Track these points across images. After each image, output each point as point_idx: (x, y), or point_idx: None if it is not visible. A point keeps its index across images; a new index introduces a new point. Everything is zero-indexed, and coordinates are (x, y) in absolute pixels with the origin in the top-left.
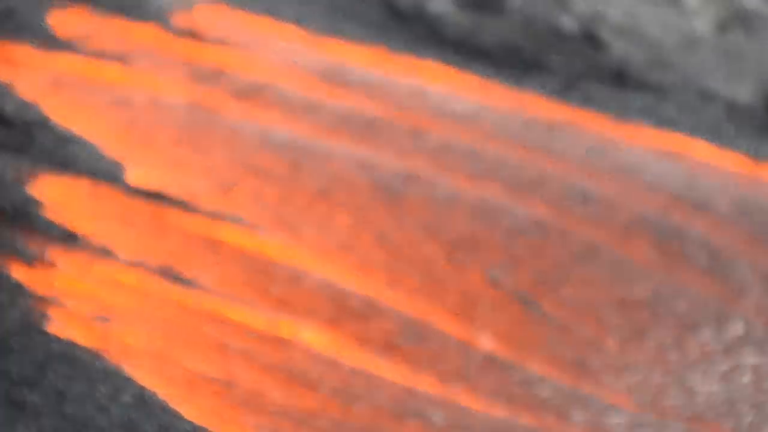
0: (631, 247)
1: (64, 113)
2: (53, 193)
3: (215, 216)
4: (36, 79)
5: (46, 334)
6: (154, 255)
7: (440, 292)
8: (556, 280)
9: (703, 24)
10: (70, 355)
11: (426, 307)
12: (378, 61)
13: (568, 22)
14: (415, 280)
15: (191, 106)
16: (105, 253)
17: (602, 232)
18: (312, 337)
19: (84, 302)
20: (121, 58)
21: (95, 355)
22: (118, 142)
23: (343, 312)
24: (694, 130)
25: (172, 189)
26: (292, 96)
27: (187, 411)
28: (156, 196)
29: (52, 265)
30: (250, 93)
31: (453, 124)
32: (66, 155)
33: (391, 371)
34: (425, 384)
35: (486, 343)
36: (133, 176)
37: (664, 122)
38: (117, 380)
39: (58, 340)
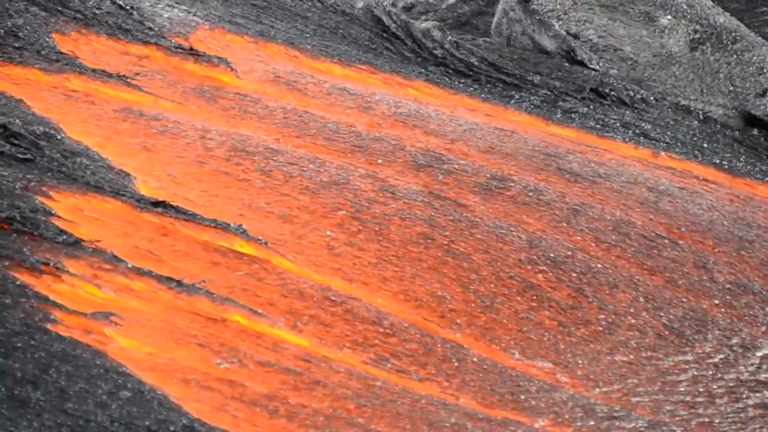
0: None
1: (72, 128)
2: (63, 203)
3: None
4: (43, 95)
5: (49, 334)
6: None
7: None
8: None
9: (675, 42)
10: (71, 354)
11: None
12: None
13: (548, 41)
14: (678, 410)
15: (429, 195)
16: (112, 259)
17: None
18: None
19: (89, 305)
20: (124, 78)
21: (96, 354)
22: (126, 158)
23: (591, 417)
24: (671, 146)
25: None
26: (543, 195)
27: (192, 408)
28: (166, 207)
29: (58, 270)
30: (494, 187)
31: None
32: (74, 167)
33: None
34: None
35: None
36: (143, 187)
37: (643, 137)
38: (117, 377)
39: (60, 339)
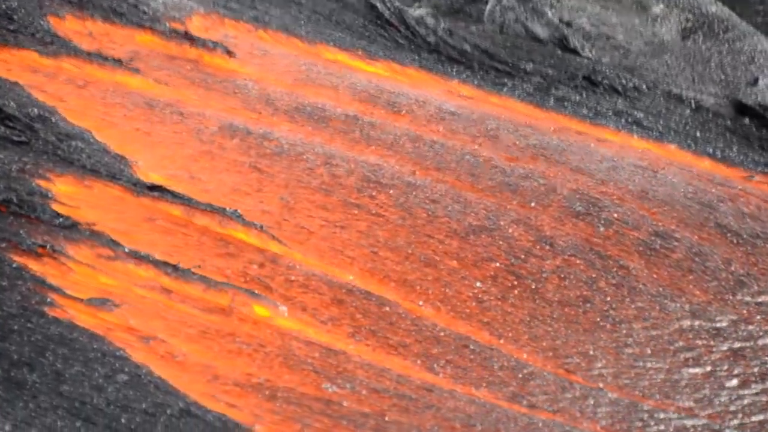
0: None
1: (68, 111)
2: (59, 186)
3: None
4: (38, 78)
5: (45, 317)
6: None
7: None
8: None
9: (667, 30)
10: (68, 338)
11: None
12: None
13: (541, 29)
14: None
15: (590, 253)
16: (109, 243)
17: None
18: None
19: (86, 289)
20: (120, 62)
21: (93, 337)
22: (125, 142)
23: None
24: (664, 135)
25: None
26: (709, 260)
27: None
28: (161, 191)
29: (55, 252)
30: (658, 247)
31: None
32: (69, 150)
33: None
34: None
35: None
36: (141, 172)
37: (635, 126)
38: (114, 361)
39: (57, 322)
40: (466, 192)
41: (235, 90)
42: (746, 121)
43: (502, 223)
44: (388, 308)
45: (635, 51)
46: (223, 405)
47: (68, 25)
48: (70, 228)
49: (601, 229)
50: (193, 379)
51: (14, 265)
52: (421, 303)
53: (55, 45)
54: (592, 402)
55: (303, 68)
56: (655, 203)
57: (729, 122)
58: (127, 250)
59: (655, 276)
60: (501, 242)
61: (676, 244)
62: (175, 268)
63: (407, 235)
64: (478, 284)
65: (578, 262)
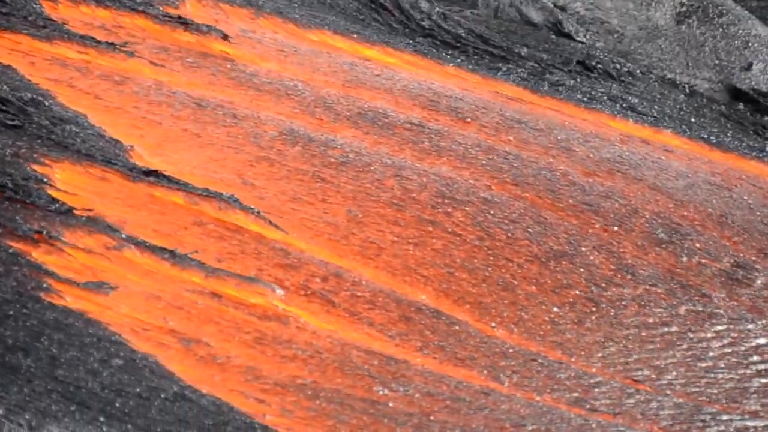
0: None
1: (63, 95)
2: (57, 171)
3: None
4: (32, 61)
5: (41, 302)
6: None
7: None
8: None
9: (662, 14)
10: (64, 323)
11: None
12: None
13: (535, 13)
14: None
15: (672, 282)
16: (106, 228)
17: None
18: None
19: (82, 274)
20: (114, 45)
21: (89, 323)
22: (122, 127)
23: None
24: (659, 120)
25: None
26: None
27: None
28: (156, 176)
29: (51, 238)
30: (740, 277)
31: None
32: (63, 135)
33: None
34: None
35: None
36: (136, 157)
37: (630, 111)
38: (110, 346)
39: (53, 308)
40: (546, 211)
41: (287, 92)
42: (741, 106)
43: (583, 248)
44: (457, 327)
45: (629, 35)
46: (252, 401)
47: (61, 9)
48: (67, 214)
49: (684, 259)
50: (227, 378)
51: (10, 251)
52: (493, 325)
53: (48, 27)
54: (655, 405)
55: (346, 68)
56: (735, 231)
57: (723, 107)
58: (124, 236)
59: (736, 303)
60: (582, 269)
61: (756, 274)
62: (172, 253)
63: (485, 257)
64: (555, 309)
65: (659, 291)
